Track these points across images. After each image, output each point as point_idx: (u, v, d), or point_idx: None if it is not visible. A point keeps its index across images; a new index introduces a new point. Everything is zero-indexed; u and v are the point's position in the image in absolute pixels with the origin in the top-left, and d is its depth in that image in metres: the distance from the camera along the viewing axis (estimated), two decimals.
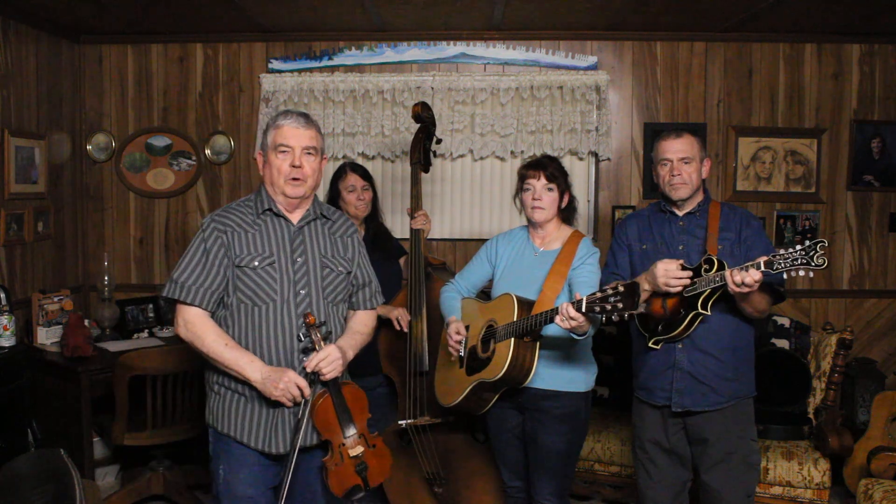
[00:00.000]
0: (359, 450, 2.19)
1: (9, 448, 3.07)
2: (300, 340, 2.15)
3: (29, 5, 3.63)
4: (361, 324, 2.36)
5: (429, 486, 3.17)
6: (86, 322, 3.76)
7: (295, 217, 2.22)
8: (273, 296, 2.13)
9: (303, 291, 2.16)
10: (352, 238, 2.34)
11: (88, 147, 4.35)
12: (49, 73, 4.02)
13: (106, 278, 3.98)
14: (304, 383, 2.09)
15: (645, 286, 2.46)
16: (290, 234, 2.20)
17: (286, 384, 2.07)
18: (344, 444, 2.18)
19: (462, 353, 2.71)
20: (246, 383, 2.12)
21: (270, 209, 2.19)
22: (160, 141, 4.36)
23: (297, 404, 2.14)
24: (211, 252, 2.12)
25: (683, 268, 2.39)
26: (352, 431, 2.19)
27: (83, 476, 2.49)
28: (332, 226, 2.31)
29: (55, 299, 3.79)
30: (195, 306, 2.12)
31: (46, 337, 3.72)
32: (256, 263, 2.12)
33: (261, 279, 2.12)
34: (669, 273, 2.38)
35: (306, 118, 2.20)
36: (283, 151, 2.15)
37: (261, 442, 2.16)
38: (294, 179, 2.16)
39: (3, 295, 3.42)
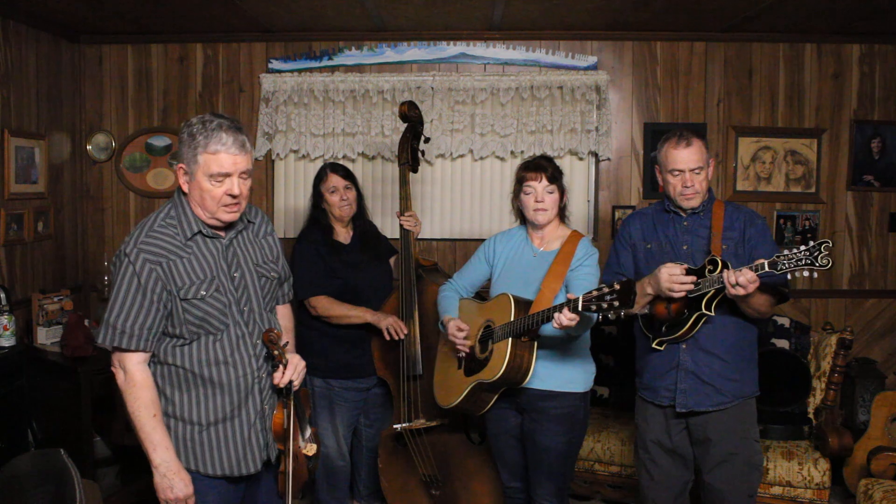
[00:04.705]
0: (313, 448, 2.16)
1: (9, 448, 3.08)
2: (266, 361, 2.07)
3: (29, 5, 3.63)
4: (289, 319, 2.33)
5: (426, 489, 3.17)
6: (86, 322, 3.76)
7: (222, 232, 2.06)
8: (225, 321, 2.00)
9: (245, 308, 2.06)
10: (271, 235, 2.23)
11: (88, 147, 4.36)
12: (49, 73, 4.03)
13: (106, 278, 3.98)
14: None
15: (648, 290, 2.46)
16: (222, 250, 2.04)
17: (177, 499, 1.95)
18: (301, 448, 2.14)
19: (467, 351, 2.71)
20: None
21: (201, 231, 2.00)
22: (160, 141, 4.36)
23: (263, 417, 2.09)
24: (147, 287, 1.91)
25: (688, 271, 2.39)
26: (308, 433, 2.18)
27: (83, 476, 2.48)
28: (255, 228, 2.17)
29: (55, 299, 3.79)
30: (138, 352, 1.95)
31: (46, 337, 3.72)
32: (203, 293, 1.96)
33: (210, 307, 1.98)
34: (674, 278, 2.38)
35: (242, 140, 1.96)
36: (220, 181, 1.94)
37: (234, 466, 2.04)
38: (230, 205, 1.98)
39: (3, 295, 3.43)
